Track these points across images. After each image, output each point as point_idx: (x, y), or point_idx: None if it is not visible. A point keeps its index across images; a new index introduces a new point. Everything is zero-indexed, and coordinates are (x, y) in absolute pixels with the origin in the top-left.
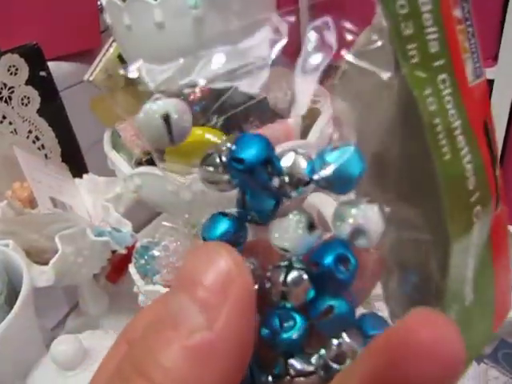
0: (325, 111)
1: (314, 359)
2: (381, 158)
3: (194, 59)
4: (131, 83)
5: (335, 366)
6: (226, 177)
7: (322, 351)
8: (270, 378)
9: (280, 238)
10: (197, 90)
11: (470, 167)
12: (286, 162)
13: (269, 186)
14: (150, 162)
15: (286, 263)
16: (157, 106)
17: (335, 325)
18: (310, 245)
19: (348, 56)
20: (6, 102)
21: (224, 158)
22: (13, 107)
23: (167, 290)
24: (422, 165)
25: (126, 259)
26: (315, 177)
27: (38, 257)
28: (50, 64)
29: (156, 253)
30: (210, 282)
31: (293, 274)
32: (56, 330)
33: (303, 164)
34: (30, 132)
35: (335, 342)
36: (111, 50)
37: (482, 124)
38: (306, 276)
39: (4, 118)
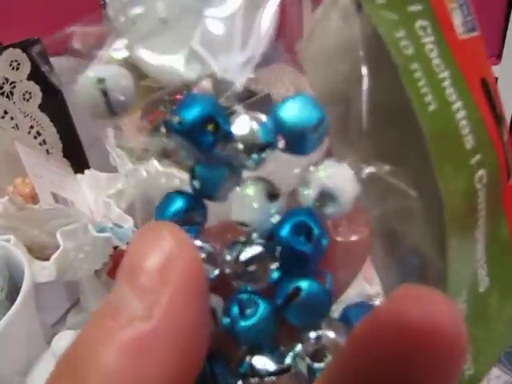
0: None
1: (289, 356)
2: (353, 119)
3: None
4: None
5: (315, 364)
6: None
7: (298, 347)
8: (239, 382)
9: (237, 211)
10: (204, 82)
11: (466, 124)
12: (237, 127)
13: (216, 153)
14: (153, 159)
15: (243, 240)
16: (93, 73)
17: (305, 312)
18: (269, 218)
19: (316, 14)
20: (7, 97)
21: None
22: (14, 102)
23: None
24: (403, 117)
25: None
26: (270, 138)
27: (40, 252)
28: (52, 59)
29: None
30: (149, 265)
31: (247, 250)
32: (57, 326)
33: (255, 126)
34: (31, 127)
35: (313, 335)
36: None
37: (479, 80)
38: (263, 252)
39: (5, 113)
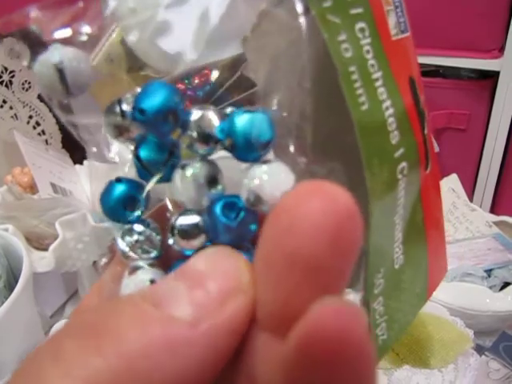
0: None
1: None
2: (294, 114)
3: None
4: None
5: None
6: (131, 127)
7: None
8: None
9: (176, 191)
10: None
11: (393, 120)
12: (195, 116)
13: (170, 139)
14: None
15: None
16: (51, 55)
17: None
18: (210, 199)
19: (262, 6)
20: (6, 86)
21: (127, 107)
22: (13, 92)
23: None
24: (338, 116)
25: None
26: (222, 136)
27: (38, 243)
28: None
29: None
30: (213, 285)
31: (182, 218)
32: (55, 317)
33: (215, 121)
34: (30, 117)
35: None
36: (114, 35)
37: (407, 79)
38: (198, 219)
39: (4, 102)
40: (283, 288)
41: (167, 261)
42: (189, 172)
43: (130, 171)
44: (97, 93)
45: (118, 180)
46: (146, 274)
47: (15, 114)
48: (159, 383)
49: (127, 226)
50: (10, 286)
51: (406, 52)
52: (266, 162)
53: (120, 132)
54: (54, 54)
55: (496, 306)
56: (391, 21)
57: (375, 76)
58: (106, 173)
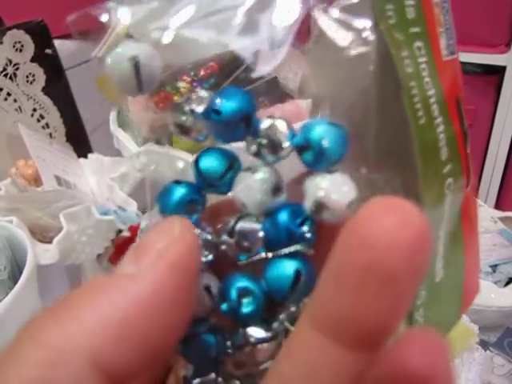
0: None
1: (275, 325)
2: (357, 123)
3: (167, 2)
4: None
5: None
6: (199, 126)
7: (282, 316)
8: (229, 344)
9: (241, 192)
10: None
11: (443, 137)
12: (265, 125)
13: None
14: (157, 141)
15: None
16: (125, 49)
17: (302, 292)
18: (272, 207)
19: (322, 18)
20: (10, 78)
21: (199, 108)
22: (18, 84)
23: None
24: (399, 129)
25: (129, 242)
26: (295, 144)
27: (42, 235)
28: (56, 42)
29: None
30: (152, 243)
31: (243, 222)
32: None
33: (284, 130)
34: (34, 110)
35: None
36: (119, 27)
37: (455, 99)
38: (259, 226)
39: (8, 95)
40: (357, 299)
41: (220, 265)
42: (258, 176)
43: (133, 163)
44: (102, 84)
45: (177, 182)
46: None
47: (19, 107)
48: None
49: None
50: (15, 278)
51: (454, 73)
52: (330, 171)
53: (186, 131)
54: (130, 48)
55: (501, 301)
56: (443, 42)
57: (429, 93)
58: (110, 166)
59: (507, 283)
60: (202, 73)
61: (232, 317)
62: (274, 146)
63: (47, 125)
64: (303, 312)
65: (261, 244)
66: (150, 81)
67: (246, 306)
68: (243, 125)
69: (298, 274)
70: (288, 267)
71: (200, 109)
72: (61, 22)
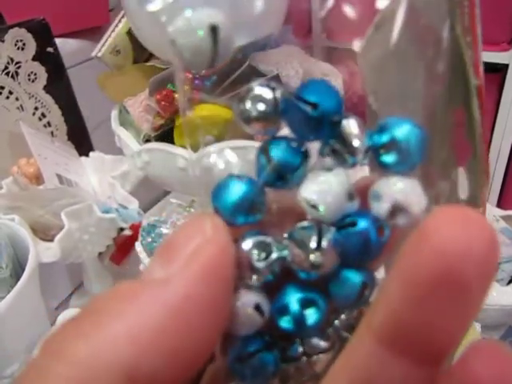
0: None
1: (329, 331)
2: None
3: None
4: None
5: (347, 334)
6: (276, 117)
7: (336, 322)
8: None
9: (313, 192)
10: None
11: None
12: (347, 125)
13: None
14: (159, 139)
15: (310, 224)
16: (203, 15)
17: (356, 299)
18: (343, 211)
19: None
20: (12, 77)
21: (277, 95)
22: (19, 83)
23: None
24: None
25: (130, 240)
26: (378, 143)
27: (43, 234)
28: (57, 41)
29: (164, 230)
30: (181, 244)
31: (328, 236)
32: (60, 309)
33: (356, 130)
34: (36, 109)
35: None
36: (120, 25)
37: (484, 110)
38: (335, 241)
39: (10, 93)
40: (427, 310)
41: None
42: (336, 176)
43: (134, 161)
44: (102, 84)
45: (237, 177)
46: (251, 297)
47: (21, 106)
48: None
49: (261, 240)
50: (17, 276)
51: (483, 86)
52: (401, 175)
53: (259, 120)
54: (207, 15)
55: (503, 299)
56: (480, 57)
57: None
58: (112, 165)
59: (510, 281)
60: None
61: (295, 331)
62: (351, 148)
63: (49, 123)
64: (363, 322)
65: (336, 258)
66: (226, 53)
67: (311, 317)
68: (331, 124)
69: (364, 285)
70: (355, 279)
71: (280, 96)
72: (62, 20)
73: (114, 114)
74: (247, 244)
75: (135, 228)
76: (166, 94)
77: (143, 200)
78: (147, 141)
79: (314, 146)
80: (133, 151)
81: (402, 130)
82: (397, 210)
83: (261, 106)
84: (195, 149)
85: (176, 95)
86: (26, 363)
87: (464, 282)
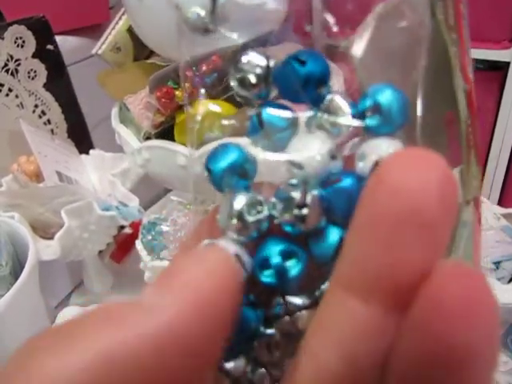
0: (336, 87)
1: (316, 293)
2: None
3: None
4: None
5: None
6: (270, 81)
7: (323, 286)
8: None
9: (299, 152)
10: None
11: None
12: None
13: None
14: (159, 136)
15: (296, 182)
16: None
17: (333, 255)
18: (326, 170)
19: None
20: (12, 74)
21: (270, 62)
22: (19, 80)
23: None
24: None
25: (130, 239)
26: (363, 108)
27: (43, 231)
28: (57, 38)
29: (164, 228)
30: (182, 274)
31: (313, 192)
32: (60, 307)
33: (343, 103)
34: (36, 106)
35: None
36: (120, 23)
37: (475, 113)
38: (318, 197)
39: (10, 90)
40: (393, 250)
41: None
42: (318, 138)
43: (135, 159)
44: (102, 81)
45: (228, 144)
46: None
47: (21, 103)
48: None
49: (251, 197)
50: (16, 274)
51: (472, 95)
52: (386, 137)
53: (250, 85)
54: None
55: (504, 298)
56: (468, 58)
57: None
58: (112, 162)
59: (510, 280)
60: (204, 68)
61: (277, 284)
62: (338, 122)
63: (49, 121)
64: (333, 275)
65: (321, 214)
66: (224, 20)
67: (293, 268)
68: (318, 86)
69: (341, 241)
70: (333, 235)
71: (270, 63)
72: (62, 18)
73: (114, 111)
74: (240, 200)
75: (135, 226)
76: (167, 91)
77: (144, 198)
78: (147, 138)
79: (301, 117)
80: (133, 149)
81: (384, 94)
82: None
83: (255, 71)
84: (196, 146)
85: (177, 92)
86: None
87: (429, 218)
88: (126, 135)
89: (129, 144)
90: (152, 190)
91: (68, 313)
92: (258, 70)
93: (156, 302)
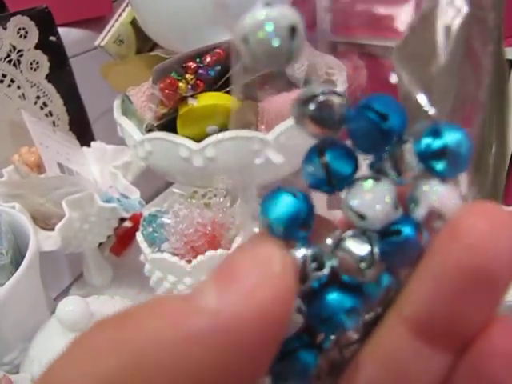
0: (340, 84)
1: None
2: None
3: None
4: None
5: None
6: (340, 125)
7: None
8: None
9: (363, 201)
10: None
11: None
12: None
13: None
14: (162, 128)
15: (355, 233)
16: (281, 16)
17: (380, 300)
18: (388, 221)
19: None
20: (14, 65)
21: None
22: (21, 71)
23: (175, 258)
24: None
25: (130, 232)
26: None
27: (44, 222)
28: (60, 30)
29: (166, 220)
30: (242, 276)
31: (378, 245)
32: (59, 299)
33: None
34: (37, 98)
35: None
36: (124, 15)
37: None
38: (378, 251)
39: (12, 81)
40: (464, 301)
41: None
42: (383, 186)
43: (137, 151)
44: (106, 73)
45: (289, 191)
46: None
47: (23, 94)
48: (175, 375)
49: (313, 251)
50: (17, 264)
51: None
52: (441, 179)
53: (324, 123)
54: (286, 15)
55: (509, 294)
56: None
57: None
58: (113, 155)
59: None
60: (208, 59)
61: (332, 333)
62: (404, 172)
63: (50, 113)
64: (393, 311)
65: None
66: (299, 54)
67: (350, 323)
68: (395, 140)
69: (389, 288)
70: (385, 279)
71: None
72: (65, 10)
73: (117, 103)
74: (301, 253)
75: (136, 219)
76: (170, 82)
77: (145, 191)
78: (150, 130)
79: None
80: (135, 141)
81: (455, 138)
82: (433, 215)
83: (332, 112)
84: (199, 138)
85: (180, 84)
86: (24, 351)
87: (493, 278)
88: (128, 127)
89: (131, 136)
90: (153, 184)
91: (68, 303)
92: (329, 113)
93: (222, 305)
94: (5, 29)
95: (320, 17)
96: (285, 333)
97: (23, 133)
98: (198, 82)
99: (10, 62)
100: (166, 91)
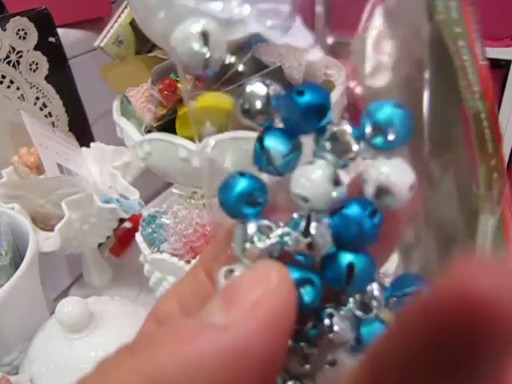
0: (339, 84)
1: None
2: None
3: None
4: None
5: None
6: (270, 110)
7: (350, 303)
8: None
9: (302, 185)
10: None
11: (488, 132)
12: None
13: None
14: (161, 129)
15: (302, 213)
16: (194, 24)
17: (356, 284)
18: (331, 199)
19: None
20: (13, 66)
21: (270, 91)
22: (21, 72)
23: (174, 258)
24: (449, 109)
25: (130, 233)
26: (364, 142)
27: (43, 223)
28: (59, 31)
29: (165, 220)
30: (247, 293)
31: (317, 222)
32: (59, 299)
33: (349, 130)
34: (37, 99)
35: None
36: (123, 16)
37: (491, 103)
38: (327, 223)
39: (11, 82)
40: None
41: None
42: (319, 168)
43: (136, 152)
44: (105, 74)
45: (240, 173)
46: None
47: (22, 95)
48: None
49: (261, 224)
50: (16, 265)
51: (488, 79)
52: (389, 157)
53: (254, 114)
54: (199, 24)
55: None
56: (478, 46)
57: (474, 89)
58: (112, 156)
59: None
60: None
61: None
62: (343, 147)
63: (50, 113)
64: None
65: (331, 242)
66: (217, 58)
67: (307, 295)
68: (318, 116)
69: (350, 266)
70: (341, 260)
71: (274, 90)
72: (65, 11)
73: (116, 104)
74: (250, 227)
75: (135, 220)
76: (169, 83)
77: (144, 191)
78: (149, 131)
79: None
80: (134, 142)
81: (384, 112)
82: (382, 191)
83: (256, 102)
84: (197, 139)
85: (179, 85)
86: (23, 352)
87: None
88: (127, 128)
89: (130, 137)
90: (153, 184)
91: (68, 303)
92: (258, 102)
93: (228, 322)
94: (4, 30)
95: (318, 16)
96: (287, 345)
97: (22, 134)
98: (197, 82)
99: (9, 63)
100: (165, 92)
